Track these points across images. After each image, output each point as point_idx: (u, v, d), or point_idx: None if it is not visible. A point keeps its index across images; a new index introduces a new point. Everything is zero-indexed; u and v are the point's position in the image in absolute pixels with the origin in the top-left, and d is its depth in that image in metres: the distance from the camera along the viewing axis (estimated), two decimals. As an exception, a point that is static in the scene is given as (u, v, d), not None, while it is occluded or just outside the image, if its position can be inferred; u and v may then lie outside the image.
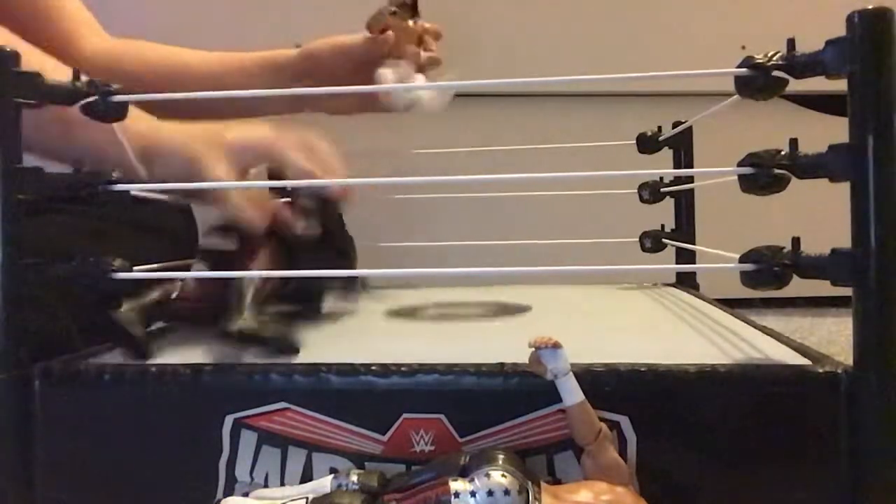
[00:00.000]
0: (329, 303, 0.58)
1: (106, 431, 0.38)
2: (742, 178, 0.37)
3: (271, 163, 0.51)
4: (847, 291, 0.34)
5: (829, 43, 0.35)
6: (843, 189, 0.35)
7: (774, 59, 0.37)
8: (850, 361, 0.35)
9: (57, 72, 0.42)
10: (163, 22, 1.25)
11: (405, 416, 0.36)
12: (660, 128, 0.75)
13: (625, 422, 0.35)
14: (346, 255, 0.59)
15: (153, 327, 0.49)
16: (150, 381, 0.38)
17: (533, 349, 0.33)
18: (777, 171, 0.36)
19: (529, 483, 0.31)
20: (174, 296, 0.48)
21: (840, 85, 0.35)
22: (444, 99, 0.61)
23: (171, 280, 0.48)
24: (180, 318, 0.52)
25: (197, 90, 0.46)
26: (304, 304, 0.55)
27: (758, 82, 0.37)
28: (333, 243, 0.57)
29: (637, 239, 0.76)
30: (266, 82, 0.71)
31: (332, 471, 0.36)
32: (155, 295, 0.47)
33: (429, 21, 0.67)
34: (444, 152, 0.79)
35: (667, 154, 0.75)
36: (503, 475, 0.31)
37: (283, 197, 0.54)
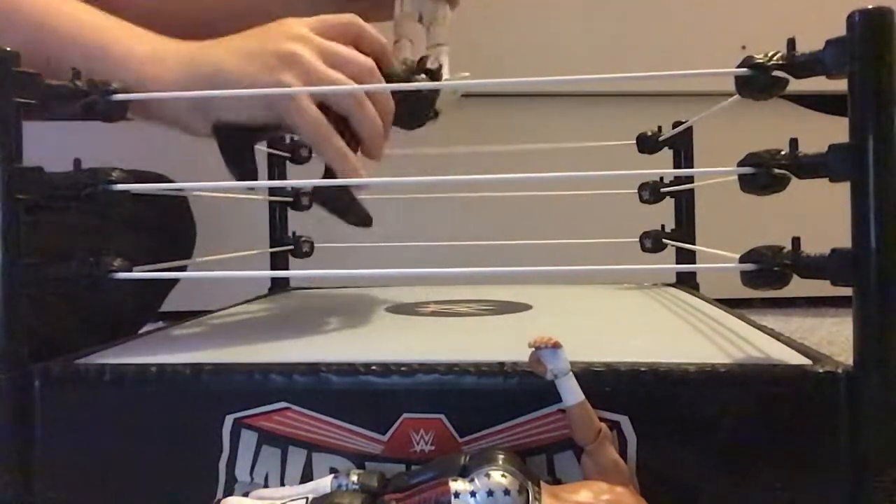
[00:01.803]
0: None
1: (106, 431, 0.38)
2: (742, 178, 0.37)
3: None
4: (847, 291, 0.34)
5: (829, 43, 0.35)
6: (843, 189, 0.34)
7: (774, 59, 0.37)
8: (850, 361, 0.35)
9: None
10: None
11: (405, 416, 0.36)
12: (660, 128, 0.75)
13: (625, 422, 0.35)
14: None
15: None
16: (150, 381, 0.38)
17: (533, 349, 0.34)
18: (777, 171, 0.36)
19: (529, 483, 0.31)
20: None
21: (840, 85, 0.35)
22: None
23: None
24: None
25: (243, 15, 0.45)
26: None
27: (758, 82, 0.37)
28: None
29: (637, 239, 0.76)
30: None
31: (332, 471, 0.36)
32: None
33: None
34: (444, 152, 0.79)
35: (667, 154, 0.75)
36: (503, 475, 0.31)
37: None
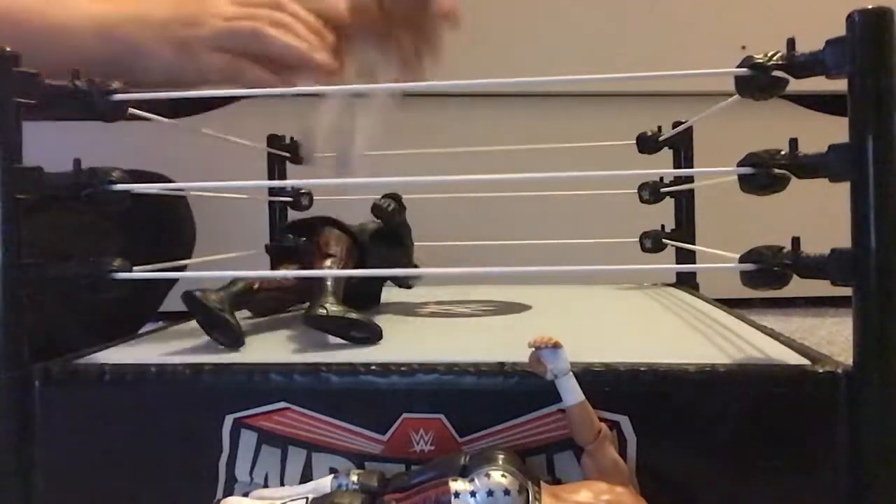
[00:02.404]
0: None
1: (106, 431, 0.38)
2: (742, 178, 0.37)
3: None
4: (847, 291, 0.34)
5: (829, 43, 0.35)
6: (843, 189, 0.34)
7: (774, 59, 0.37)
8: (850, 361, 0.35)
9: None
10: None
11: (405, 416, 0.36)
12: (660, 128, 0.75)
13: (625, 422, 0.35)
14: (406, 247, 0.61)
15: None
16: (150, 381, 0.38)
17: (533, 349, 0.34)
18: (777, 171, 0.36)
19: (529, 483, 0.31)
20: (256, 286, 0.50)
21: (840, 85, 0.35)
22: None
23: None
24: (263, 308, 0.54)
25: None
26: (367, 294, 0.57)
27: (758, 82, 0.37)
28: (398, 237, 0.59)
29: (637, 239, 0.76)
30: None
31: (332, 471, 0.36)
32: (239, 285, 0.48)
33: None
34: (444, 152, 0.79)
35: (667, 154, 0.75)
36: (503, 475, 0.31)
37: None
